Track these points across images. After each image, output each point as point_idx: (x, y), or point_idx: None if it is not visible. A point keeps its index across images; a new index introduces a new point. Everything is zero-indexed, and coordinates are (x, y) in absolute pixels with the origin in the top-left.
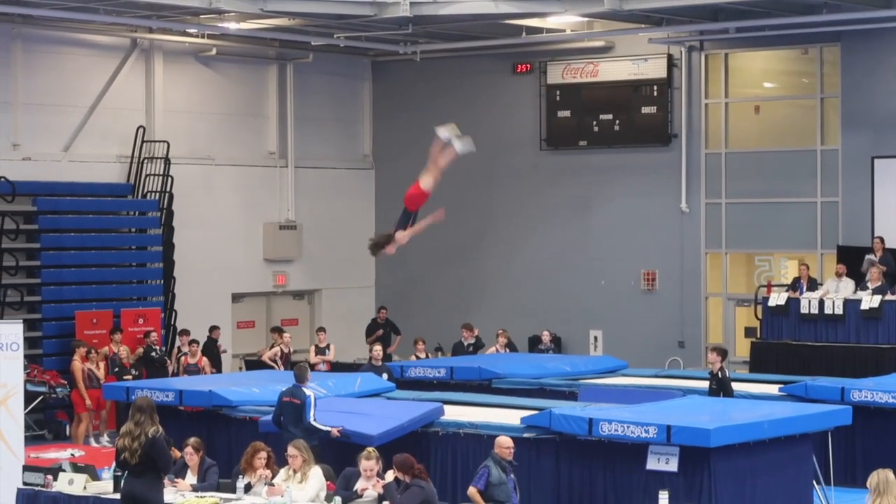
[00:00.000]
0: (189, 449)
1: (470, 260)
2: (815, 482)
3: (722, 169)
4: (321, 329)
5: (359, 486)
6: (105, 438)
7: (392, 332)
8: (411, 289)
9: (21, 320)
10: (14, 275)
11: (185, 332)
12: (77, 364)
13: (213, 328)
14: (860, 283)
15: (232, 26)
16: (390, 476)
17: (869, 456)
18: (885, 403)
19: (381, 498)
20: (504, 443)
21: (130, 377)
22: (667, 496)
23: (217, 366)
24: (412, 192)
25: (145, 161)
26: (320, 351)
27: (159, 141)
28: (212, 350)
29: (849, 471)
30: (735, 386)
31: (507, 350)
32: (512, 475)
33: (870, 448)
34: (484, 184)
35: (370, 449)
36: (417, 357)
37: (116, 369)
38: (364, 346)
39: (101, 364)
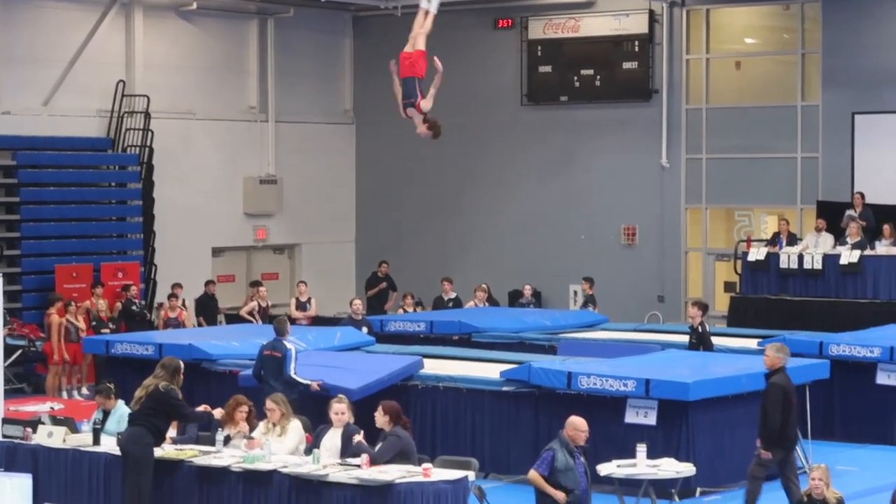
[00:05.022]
0: None
1: (451, 215)
2: None
3: (702, 124)
4: (302, 282)
5: (324, 439)
6: (84, 391)
7: (390, 288)
8: (392, 244)
9: (0, 274)
10: None
11: (178, 286)
12: (55, 317)
13: (209, 282)
14: (839, 238)
15: None
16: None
17: (846, 410)
18: (862, 358)
19: (343, 447)
20: (578, 424)
21: (108, 331)
22: (645, 449)
23: (212, 320)
24: (407, 59)
25: (125, 115)
26: (301, 305)
27: (139, 95)
28: (207, 304)
29: (826, 424)
30: (714, 340)
31: (487, 304)
32: (582, 459)
33: (847, 402)
34: (465, 139)
35: (340, 395)
36: (405, 311)
37: (94, 323)
38: (344, 299)
39: (82, 318)
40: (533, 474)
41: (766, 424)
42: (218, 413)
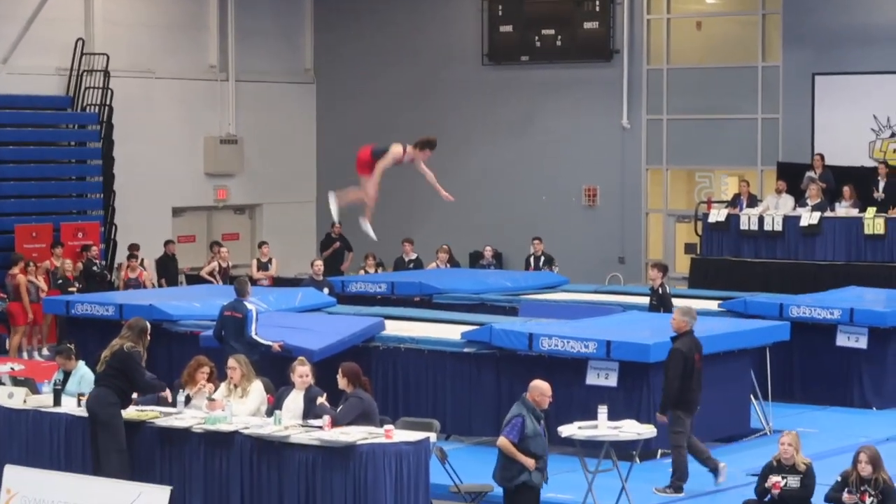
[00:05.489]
0: None
1: (412, 175)
2: (752, 397)
3: (663, 85)
4: (264, 243)
5: (287, 401)
6: (45, 352)
7: (345, 249)
8: (353, 205)
9: None
10: None
11: (136, 246)
12: (22, 277)
13: (168, 242)
14: (800, 200)
15: None
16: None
17: (806, 371)
18: (822, 319)
19: (306, 409)
20: (544, 389)
21: (74, 290)
22: (606, 411)
23: (172, 281)
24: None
25: (84, 74)
26: (262, 265)
27: (99, 54)
28: (167, 265)
29: (786, 386)
30: (675, 302)
31: (448, 265)
32: (542, 422)
33: (807, 364)
34: (425, 98)
35: (302, 357)
36: (367, 272)
37: (60, 282)
38: (305, 260)
39: (41, 278)
40: (503, 441)
41: (664, 388)
42: (167, 395)
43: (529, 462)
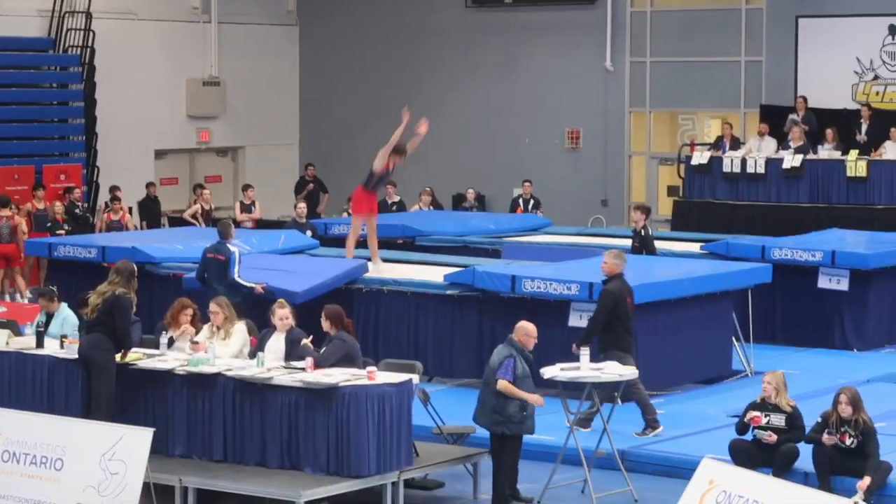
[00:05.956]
0: None
1: (395, 117)
2: (734, 339)
3: (647, 27)
4: (248, 186)
5: (269, 343)
6: (28, 294)
7: (320, 191)
8: (336, 146)
9: None
10: None
11: (117, 188)
12: (19, 218)
13: (150, 184)
14: (782, 143)
15: None
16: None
17: (788, 313)
18: (804, 261)
19: (287, 351)
20: (530, 330)
21: (63, 232)
22: (588, 352)
23: (154, 223)
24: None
25: (66, 15)
26: (246, 208)
27: None
28: (149, 207)
29: (768, 328)
30: (657, 244)
31: (432, 208)
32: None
33: (789, 306)
34: (409, 40)
35: (281, 300)
36: (350, 215)
37: (49, 224)
38: (288, 203)
39: (23, 220)
40: (504, 383)
41: (588, 324)
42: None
43: (537, 399)
